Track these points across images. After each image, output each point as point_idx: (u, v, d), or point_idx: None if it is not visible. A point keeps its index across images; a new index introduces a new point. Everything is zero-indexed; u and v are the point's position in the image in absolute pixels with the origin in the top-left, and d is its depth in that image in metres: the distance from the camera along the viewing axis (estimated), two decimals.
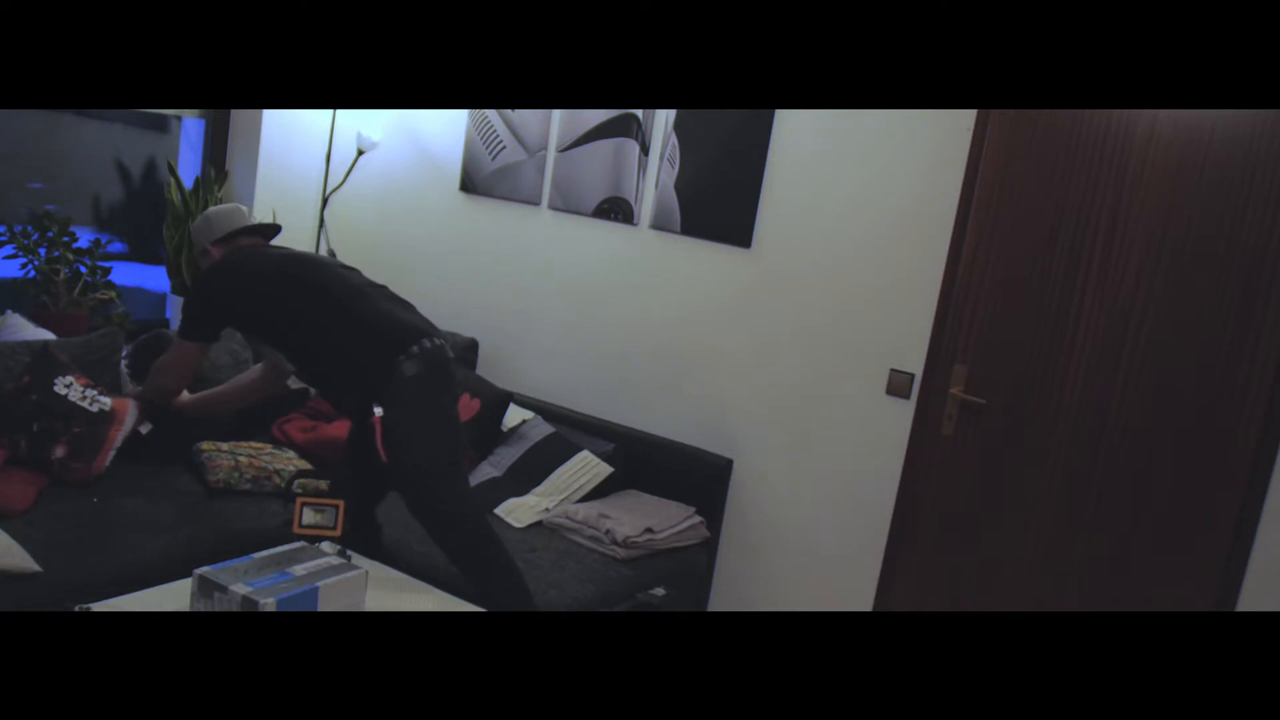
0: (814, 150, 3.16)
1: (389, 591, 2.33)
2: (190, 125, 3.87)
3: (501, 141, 3.74)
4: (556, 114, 3.62)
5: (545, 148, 3.66)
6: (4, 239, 3.16)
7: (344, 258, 4.06)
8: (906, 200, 2.99)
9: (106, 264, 3.39)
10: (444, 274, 3.93)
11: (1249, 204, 2.58)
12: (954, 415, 2.98)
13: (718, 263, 3.32)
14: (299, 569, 2.07)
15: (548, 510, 3.13)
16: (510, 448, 3.35)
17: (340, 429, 3.26)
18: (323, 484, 2.41)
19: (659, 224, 3.43)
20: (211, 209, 2.75)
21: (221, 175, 3.73)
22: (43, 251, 3.23)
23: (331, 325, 2.47)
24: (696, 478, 3.31)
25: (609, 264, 3.55)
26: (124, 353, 3.12)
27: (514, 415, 3.47)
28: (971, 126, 2.88)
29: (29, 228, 3.23)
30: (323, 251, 4.03)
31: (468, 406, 3.41)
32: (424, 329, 2.49)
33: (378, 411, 2.40)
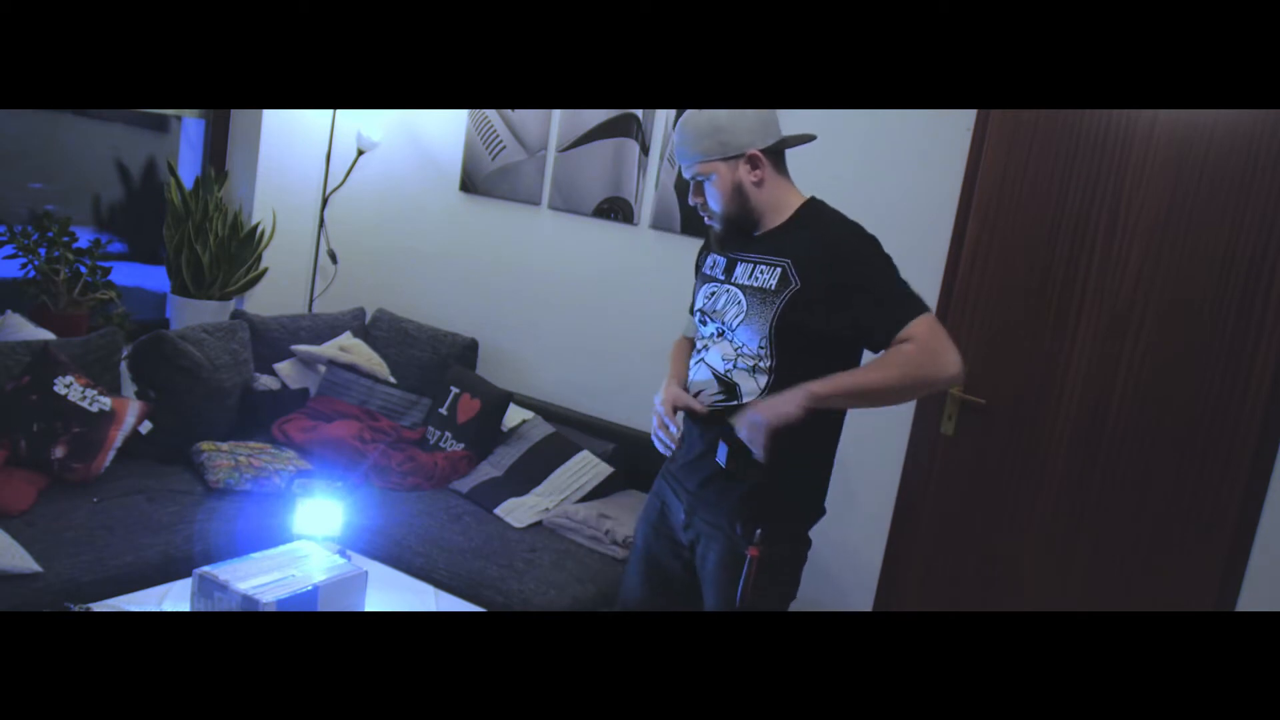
0: (813, 150, 3.16)
1: (389, 591, 2.33)
2: (190, 125, 3.87)
3: (501, 141, 3.74)
4: (556, 114, 3.62)
5: (545, 148, 3.65)
6: (4, 239, 3.16)
7: (344, 258, 4.06)
8: (906, 200, 2.99)
9: (106, 264, 3.39)
10: (444, 274, 3.92)
11: (1249, 204, 2.58)
12: (954, 415, 2.98)
13: None
14: (299, 569, 2.07)
15: (548, 510, 3.13)
16: (510, 448, 3.35)
17: (340, 429, 3.26)
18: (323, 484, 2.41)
19: (659, 224, 3.42)
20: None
21: (221, 175, 3.73)
22: (43, 251, 3.23)
23: None
24: None
25: (609, 264, 3.55)
26: (124, 353, 3.12)
27: (514, 415, 3.47)
28: (971, 126, 2.88)
29: (29, 228, 3.23)
30: (322, 252, 4.02)
31: (468, 406, 3.42)
32: None
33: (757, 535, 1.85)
